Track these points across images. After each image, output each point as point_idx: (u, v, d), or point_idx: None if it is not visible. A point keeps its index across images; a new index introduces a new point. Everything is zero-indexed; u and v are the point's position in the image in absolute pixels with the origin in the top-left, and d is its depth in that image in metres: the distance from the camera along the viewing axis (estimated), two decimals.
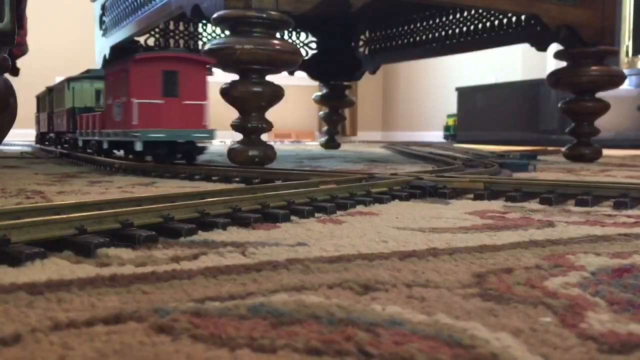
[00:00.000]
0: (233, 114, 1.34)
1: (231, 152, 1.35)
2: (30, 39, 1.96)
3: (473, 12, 2.24)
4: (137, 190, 0.87)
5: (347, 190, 0.73)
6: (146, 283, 0.35)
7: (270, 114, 1.39)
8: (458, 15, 2.32)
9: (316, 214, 0.63)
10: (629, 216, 0.64)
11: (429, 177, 0.87)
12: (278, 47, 1.27)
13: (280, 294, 0.32)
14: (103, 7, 2.48)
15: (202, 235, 0.50)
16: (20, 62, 1.88)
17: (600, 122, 1.88)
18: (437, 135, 4.81)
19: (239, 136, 1.38)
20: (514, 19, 2.05)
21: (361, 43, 2.85)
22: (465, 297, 0.33)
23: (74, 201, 0.54)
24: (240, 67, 1.30)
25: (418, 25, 2.53)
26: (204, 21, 2.51)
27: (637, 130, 3.11)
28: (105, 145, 1.38)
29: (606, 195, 0.75)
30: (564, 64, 1.86)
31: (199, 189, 0.71)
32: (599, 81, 1.78)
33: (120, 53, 2.38)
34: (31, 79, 3.81)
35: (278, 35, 1.31)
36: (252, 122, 1.33)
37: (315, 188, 0.72)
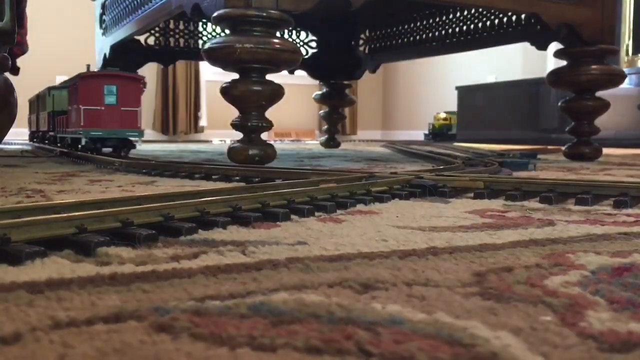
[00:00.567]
0: (233, 112, 1.34)
1: (231, 151, 1.35)
2: (30, 39, 1.96)
3: (473, 10, 2.24)
4: (138, 189, 0.87)
5: (347, 189, 0.73)
6: (146, 282, 0.35)
7: (270, 113, 1.39)
8: (458, 14, 2.32)
9: (316, 213, 0.63)
10: (628, 215, 0.64)
11: (429, 176, 0.87)
12: (278, 46, 1.27)
13: (280, 293, 0.33)
14: (103, 6, 2.48)
15: (202, 234, 0.50)
16: (20, 62, 1.88)
17: (600, 121, 1.88)
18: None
19: (238, 135, 1.38)
20: (514, 17, 2.05)
21: (361, 42, 2.85)
22: (466, 295, 0.33)
23: (74, 200, 0.54)
24: (241, 66, 1.30)
25: (418, 24, 2.53)
26: (204, 20, 2.51)
27: (637, 129, 3.11)
28: (69, 141, 1.74)
29: (606, 194, 0.75)
30: (564, 62, 1.86)
31: (199, 188, 0.71)
32: (598, 80, 1.78)
33: (120, 52, 2.39)
34: (31, 78, 3.81)
35: (278, 34, 1.31)
36: (252, 121, 1.33)
37: (316, 187, 0.72)
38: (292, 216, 0.60)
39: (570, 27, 1.74)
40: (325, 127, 2.97)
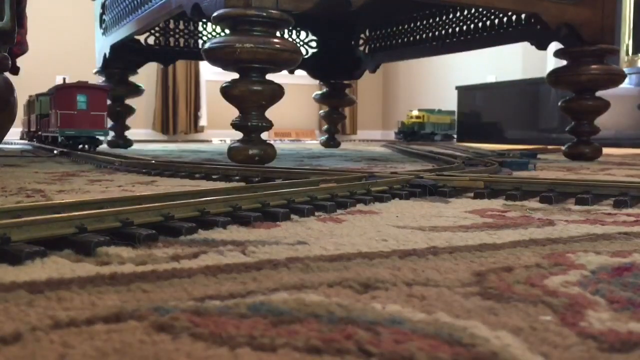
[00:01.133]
0: (233, 112, 1.34)
1: (231, 150, 1.35)
2: (30, 38, 1.96)
3: (473, 10, 2.24)
4: (138, 189, 0.87)
5: (347, 189, 0.73)
6: (146, 282, 0.35)
7: (270, 113, 1.39)
8: (458, 14, 2.32)
9: (316, 213, 0.63)
10: (629, 215, 0.64)
11: (429, 175, 0.87)
12: (278, 45, 1.27)
13: (280, 293, 0.33)
14: (103, 6, 2.48)
15: (202, 234, 0.50)
16: (20, 61, 1.88)
17: (600, 121, 1.88)
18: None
19: (238, 135, 1.38)
20: (514, 17, 2.05)
21: (361, 42, 2.85)
22: (465, 295, 0.33)
23: (74, 200, 0.54)
24: (241, 65, 1.30)
25: (418, 23, 2.53)
26: (204, 20, 2.51)
27: (637, 129, 3.11)
28: (50, 139, 2.11)
29: (606, 194, 0.75)
30: (564, 62, 1.86)
31: (199, 188, 0.71)
32: (598, 80, 1.78)
33: (121, 52, 2.39)
34: (31, 78, 3.80)
35: (278, 34, 1.31)
36: (252, 121, 1.33)
37: (316, 187, 0.72)
38: (292, 216, 0.60)
39: (570, 26, 1.74)
40: (325, 126, 2.97)
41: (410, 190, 0.79)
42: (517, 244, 0.47)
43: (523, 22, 2.00)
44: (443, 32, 2.40)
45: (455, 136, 4.50)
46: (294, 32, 2.82)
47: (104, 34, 2.49)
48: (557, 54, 1.85)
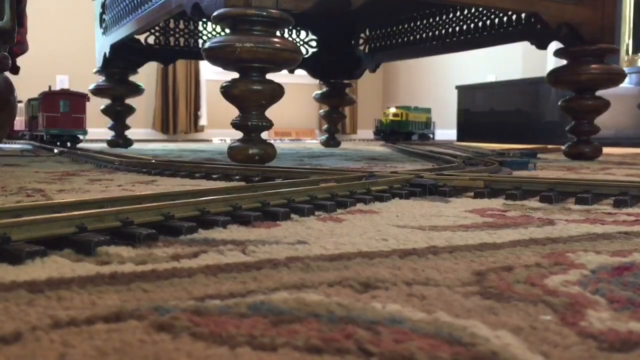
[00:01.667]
0: (233, 112, 1.34)
1: (231, 150, 1.35)
2: (30, 38, 1.95)
3: (473, 10, 2.24)
4: (138, 188, 0.87)
5: (347, 189, 0.73)
6: (146, 281, 0.35)
7: (271, 112, 1.39)
8: (458, 14, 2.32)
9: (316, 212, 0.63)
10: (629, 214, 0.64)
11: (429, 175, 0.87)
12: (278, 45, 1.27)
13: (280, 292, 0.33)
14: (103, 6, 2.48)
15: (202, 234, 0.50)
16: (20, 61, 1.88)
17: (600, 120, 1.88)
18: (437, 133, 4.80)
19: (238, 134, 1.38)
20: (514, 17, 2.05)
21: (361, 41, 2.85)
22: (465, 295, 0.33)
23: (74, 199, 0.54)
24: (241, 65, 1.30)
25: (418, 23, 2.53)
26: (204, 19, 2.51)
27: (637, 128, 3.11)
28: (38, 137, 2.45)
29: (606, 194, 0.75)
30: (564, 62, 1.86)
31: (199, 187, 0.71)
32: (598, 79, 1.78)
33: (121, 51, 2.39)
34: (31, 78, 3.80)
35: (278, 33, 1.31)
36: (252, 120, 1.33)
37: (316, 186, 0.72)
38: (292, 215, 0.60)
39: (570, 26, 1.74)
40: (325, 126, 2.97)
41: (410, 190, 0.79)
42: (517, 244, 0.47)
43: (523, 21, 2.00)
44: (443, 31, 2.40)
45: (431, 135, 4.35)
46: (294, 31, 2.82)
47: (104, 33, 2.49)
48: (557, 53, 1.85)
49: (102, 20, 2.51)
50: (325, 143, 2.97)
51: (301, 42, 2.83)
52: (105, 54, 2.44)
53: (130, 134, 2.73)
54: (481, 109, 4.04)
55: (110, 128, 2.65)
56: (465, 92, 4.17)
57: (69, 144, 2.31)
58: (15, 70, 1.76)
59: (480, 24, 2.21)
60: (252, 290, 0.33)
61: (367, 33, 2.82)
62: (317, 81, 2.96)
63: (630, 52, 3.39)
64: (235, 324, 0.27)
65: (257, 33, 1.26)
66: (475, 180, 0.83)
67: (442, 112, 4.84)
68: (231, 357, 0.23)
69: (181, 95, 4.59)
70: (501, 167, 1.20)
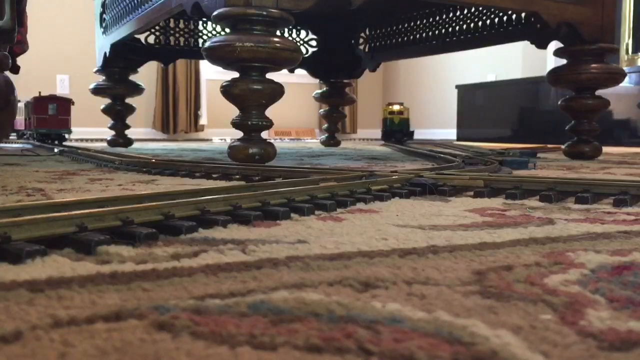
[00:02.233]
0: (233, 111, 1.34)
1: (231, 149, 1.35)
2: (30, 38, 1.95)
3: (473, 9, 2.23)
4: (138, 188, 0.87)
5: (347, 188, 0.73)
6: (146, 280, 0.35)
7: (271, 112, 1.39)
8: (458, 13, 2.32)
9: (316, 212, 0.63)
10: (628, 214, 0.64)
11: (429, 174, 0.87)
12: (278, 44, 1.27)
13: (280, 292, 0.33)
14: (103, 5, 2.48)
15: (202, 233, 0.50)
16: (20, 61, 1.88)
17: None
18: (437, 133, 4.80)
19: (238, 134, 1.38)
20: (514, 16, 2.04)
21: (361, 41, 2.85)
22: (465, 294, 0.33)
23: (74, 198, 0.54)
24: (241, 64, 1.30)
25: (418, 22, 2.53)
26: (204, 19, 2.50)
27: (637, 128, 3.10)
28: (29, 136, 2.82)
29: (606, 193, 0.75)
30: (563, 61, 1.86)
31: (200, 187, 0.71)
32: (598, 79, 1.78)
33: (121, 51, 2.39)
34: (32, 77, 3.80)
35: (278, 32, 1.31)
36: (252, 120, 1.33)
37: (316, 186, 0.72)
38: (292, 215, 0.60)
39: (570, 25, 1.74)
40: (325, 125, 2.97)
41: (410, 189, 0.79)
42: (517, 243, 0.47)
43: (523, 21, 2.00)
44: (443, 31, 2.39)
45: (406, 139, 3.53)
46: (294, 31, 2.82)
47: (104, 33, 2.49)
48: (557, 52, 1.85)
49: (102, 20, 2.51)
50: (325, 142, 2.97)
51: (301, 42, 2.83)
52: (105, 53, 2.44)
53: (130, 133, 2.73)
54: (481, 109, 4.04)
55: (111, 127, 2.65)
56: (465, 92, 4.17)
57: (56, 142, 2.68)
58: (15, 69, 1.76)
59: (480, 23, 2.21)
60: (252, 289, 0.33)
61: (367, 32, 2.82)
62: (317, 80, 2.96)
63: (630, 51, 3.39)
64: (235, 323, 0.27)
65: (257, 32, 1.26)
66: (475, 180, 0.83)
67: (442, 111, 4.84)
68: (231, 357, 0.23)
69: (181, 95, 4.59)
70: (501, 167, 1.20)
